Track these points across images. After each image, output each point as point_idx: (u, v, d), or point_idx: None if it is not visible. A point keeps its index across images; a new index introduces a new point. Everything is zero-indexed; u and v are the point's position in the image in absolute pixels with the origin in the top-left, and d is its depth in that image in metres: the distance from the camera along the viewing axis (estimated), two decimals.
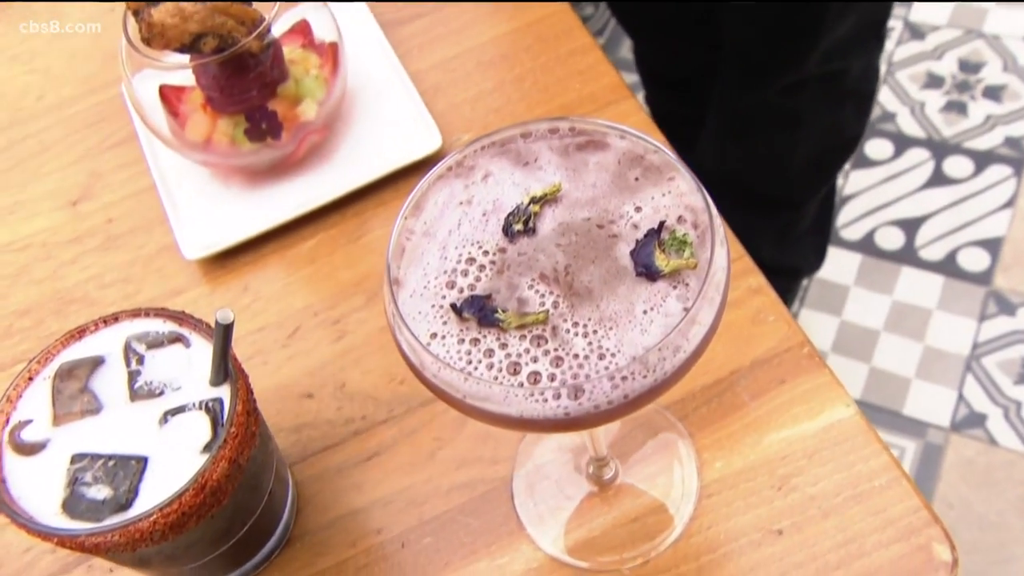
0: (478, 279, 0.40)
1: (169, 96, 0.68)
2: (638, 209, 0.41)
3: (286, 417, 0.60)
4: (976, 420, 1.34)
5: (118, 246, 0.70)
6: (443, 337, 0.39)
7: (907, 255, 1.50)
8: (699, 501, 0.54)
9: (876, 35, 1.07)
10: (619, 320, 0.38)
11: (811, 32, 0.98)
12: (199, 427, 0.48)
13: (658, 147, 0.42)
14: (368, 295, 0.65)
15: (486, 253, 0.41)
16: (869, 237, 1.52)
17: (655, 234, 0.40)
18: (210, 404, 0.48)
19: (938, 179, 1.56)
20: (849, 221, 1.54)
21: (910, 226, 1.52)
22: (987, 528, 1.25)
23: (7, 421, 0.48)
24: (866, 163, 1.60)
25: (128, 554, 0.47)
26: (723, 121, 1.15)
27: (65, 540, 0.45)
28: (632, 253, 0.39)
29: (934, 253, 1.49)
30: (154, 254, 0.69)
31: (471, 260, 0.41)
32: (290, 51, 0.69)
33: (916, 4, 1.75)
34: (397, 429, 0.59)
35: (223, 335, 0.46)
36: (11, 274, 0.70)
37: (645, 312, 0.38)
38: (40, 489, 0.46)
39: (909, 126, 1.62)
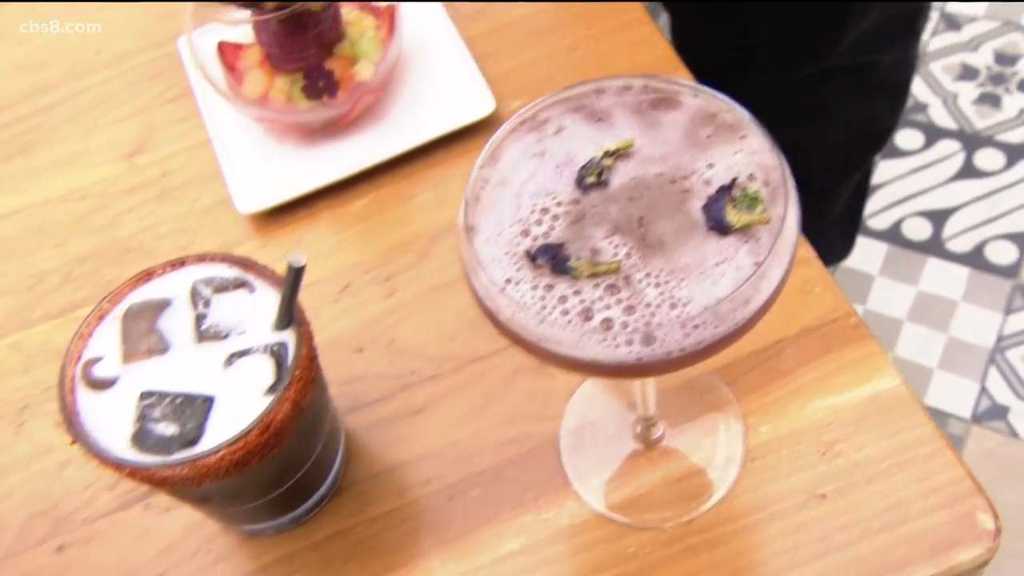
0: (552, 228, 0.41)
1: (227, 52, 0.69)
2: (710, 166, 0.42)
3: (337, 370, 0.61)
4: (998, 412, 1.34)
5: (173, 198, 0.71)
6: (517, 283, 0.40)
7: (934, 246, 1.50)
8: (744, 464, 0.55)
9: (910, 29, 1.06)
10: (691, 272, 0.39)
11: (835, 25, 0.97)
12: (263, 370, 0.49)
13: (732, 106, 0.42)
14: (418, 254, 0.66)
15: (559, 204, 0.42)
16: (896, 227, 1.52)
17: (727, 190, 0.40)
18: (275, 348, 0.49)
19: (968, 171, 1.56)
20: (876, 211, 1.54)
21: (938, 217, 1.52)
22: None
23: (79, 357, 0.50)
24: (896, 153, 1.60)
25: (192, 489, 0.48)
26: (752, 105, 1.15)
27: (136, 472, 0.46)
28: (704, 208, 0.40)
29: (961, 245, 1.49)
30: (209, 207, 0.70)
31: (545, 210, 0.42)
32: (348, 12, 0.70)
33: None
34: (446, 385, 0.60)
35: (294, 278, 0.47)
36: (71, 222, 0.71)
37: (716, 265, 0.39)
38: (111, 423, 0.48)
39: (941, 117, 1.62)
